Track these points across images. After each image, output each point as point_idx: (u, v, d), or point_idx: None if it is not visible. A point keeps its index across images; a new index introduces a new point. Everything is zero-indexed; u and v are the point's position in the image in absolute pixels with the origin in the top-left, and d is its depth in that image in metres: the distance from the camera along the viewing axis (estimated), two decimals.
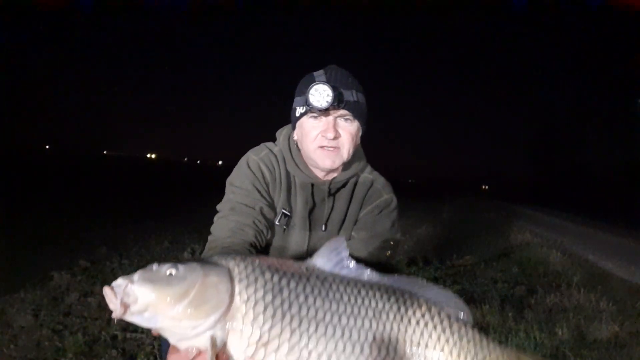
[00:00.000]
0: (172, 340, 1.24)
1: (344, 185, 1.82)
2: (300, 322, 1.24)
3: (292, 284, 1.28)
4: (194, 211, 9.65)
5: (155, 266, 1.24)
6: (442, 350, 1.34)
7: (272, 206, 1.76)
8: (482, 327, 3.75)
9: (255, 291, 1.24)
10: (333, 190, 1.80)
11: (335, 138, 1.70)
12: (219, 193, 1.79)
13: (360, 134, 1.80)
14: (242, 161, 1.83)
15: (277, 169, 1.81)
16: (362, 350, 1.28)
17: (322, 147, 1.71)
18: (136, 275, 1.21)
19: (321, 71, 1.75)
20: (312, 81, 1.70)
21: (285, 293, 1.26)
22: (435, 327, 1.35)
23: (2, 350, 3.00)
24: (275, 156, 1.83)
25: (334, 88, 1.65)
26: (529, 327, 3.67)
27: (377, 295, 1.35)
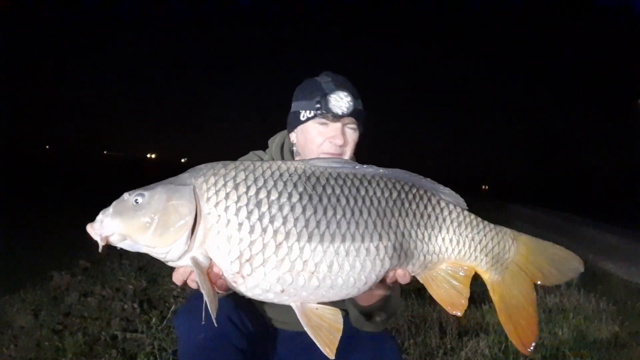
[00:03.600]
0: (163, 261, 1.26)
1: None
2: (287, 235, 1.20)
3: (274, 195, 1.22)
4: None
5: (127, 195, 1.25)
6: (444, 237, 1.38)
7: None
8: (482, 327, 3.75)
9: (226, 209, 1.20)
10: None
11: (342, 145, 1.70)
12: None
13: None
14: None
15: None
16: (368, 252, 1.26)
17: (325, 153, 1.70)
18: (111, 208, 1.24)
19: (327, 78, 1.74)
20: (319, 87, 1.70)
21: (264, 207, 1.21)
22: (437, 216, 1.38)
23: (2, 350, 3.00)
24: None
25: (353, 96, 1.66)
26: None
27: (379, 192, 1.31)
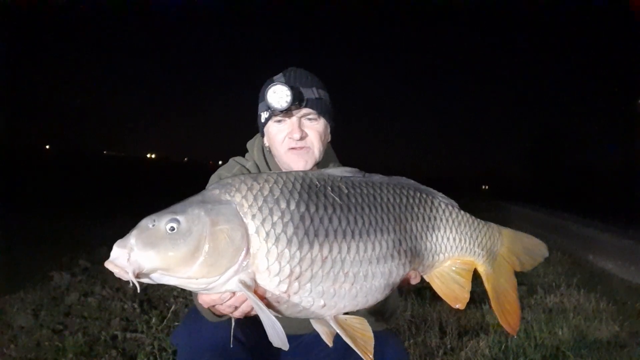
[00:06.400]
0: (194, 290, 1.18)
1: None
2: (331, 248, 1.19)
3: (312, 208, 1.20)
4: None
5: (150, 222, 1.11)
6: (448, 237, 1.46)
7: None
8: (482, 327, 3.75)
9: (274, 226, 1.14)
10: None
11: (302, 138, 1.68)
12: None
13: (329, 130, 1.78)
14: (214, 179, 1.77)
15: None
16: (392, 258, 1.31)
17: (292, 149, 1.69)
18: (132, 239, 1.09)
19: (280, 74, 1.73)
20: (268, 85, 1.67)
21: (308, 221, 1.18)
22: (441, 218, 1.46)
23: (2, 350, 3.00)
24: (249, 171, 1.80)
25: (291, 88, 1.62)
26: (529, 327, 3.67)
27: (392, 198, 1.37)
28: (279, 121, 1.69)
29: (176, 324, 3.32)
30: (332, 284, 1.19)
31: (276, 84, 1.61)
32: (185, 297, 4.17)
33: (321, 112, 1.70)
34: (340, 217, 1.23)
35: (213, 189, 1.21)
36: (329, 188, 1.27)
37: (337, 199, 1.25)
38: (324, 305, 1.21)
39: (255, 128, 1.85)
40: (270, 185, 1.20)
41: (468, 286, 1.47)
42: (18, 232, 7.19)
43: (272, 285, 1.15)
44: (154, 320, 3.51)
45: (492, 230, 1.54)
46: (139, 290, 1.11)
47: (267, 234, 1.14)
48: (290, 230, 1.15)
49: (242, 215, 1.14)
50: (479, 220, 1.55)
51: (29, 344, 3.09)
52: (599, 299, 4.58)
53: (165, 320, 3.52)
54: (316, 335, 1.71)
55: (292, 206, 1.18)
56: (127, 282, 1.10)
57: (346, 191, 1.28)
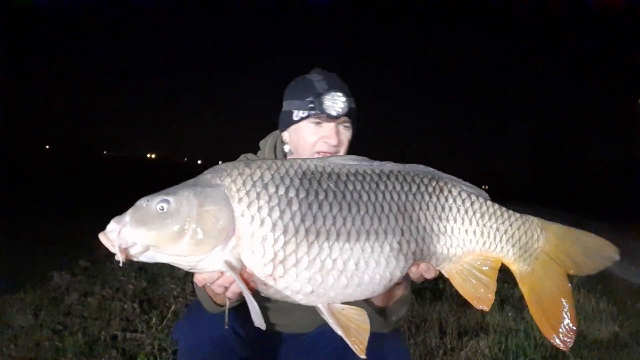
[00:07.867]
0: (185, 269, 1.22)
1: None
2: (318, 234, 1.18)
3: (302, 194, 1.20)
4: None
5: (144, 202, 1.18)
6: (467, 229, 1.35)
7: None
8: (482, 328, 3.75)
9: (259, 209, 1.17)
10: None
11: (336, 145, 1.69)
12: None
13: None
14: None
15: None
16: (391, 248, 1.25)
17: (319, 152, 1.69)
18: (127, 217, 1.16)
19: (319, 76, 1.72)
20: (312, 86, 1.68)
21: (295, 206, 1.19)
22: (459, 208, 1.35)
23: (2, 350, 3.00)
24: None
25: (348, 96, 1.65)
26: (529, 327, 3.66)
27: (398, 186, 1.30)
28: (318, 123, 1.68)
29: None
30: (318, 271, 1.18)
31: (335, 91, 1.64)
32: (185, 297, 4.18)
33: (354, 122, 1.73)
34: (332, 204, 1.21)
35: (206, 174, 1.25)
36: (326, 175, 1.25)
37: (331, 185, 1.23)
38: (312, 292, 1.20)
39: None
40: (262, 171, 1.22)
41: (493, 286, 1.33)
42: (18, 232, 7.20)
43: (257, 267, 1.17)
44: (154, 320, 3.51)
45: (529, 225, 1.38)
46: (121, 264, 1.16)
47: (252, 217, 1.17)
48: (275, 214, 1.17)
49: (229, 198, 1.18)
50: (512, 212, 1.39)
51: (29, 344, 3.08)
52: (599, 299, 4.58)
53: (165, 320, 3.52)
54: (317, 334, 1.72)
55: (281, 191, 1.19)
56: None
57: (344, 178, 1.26)
